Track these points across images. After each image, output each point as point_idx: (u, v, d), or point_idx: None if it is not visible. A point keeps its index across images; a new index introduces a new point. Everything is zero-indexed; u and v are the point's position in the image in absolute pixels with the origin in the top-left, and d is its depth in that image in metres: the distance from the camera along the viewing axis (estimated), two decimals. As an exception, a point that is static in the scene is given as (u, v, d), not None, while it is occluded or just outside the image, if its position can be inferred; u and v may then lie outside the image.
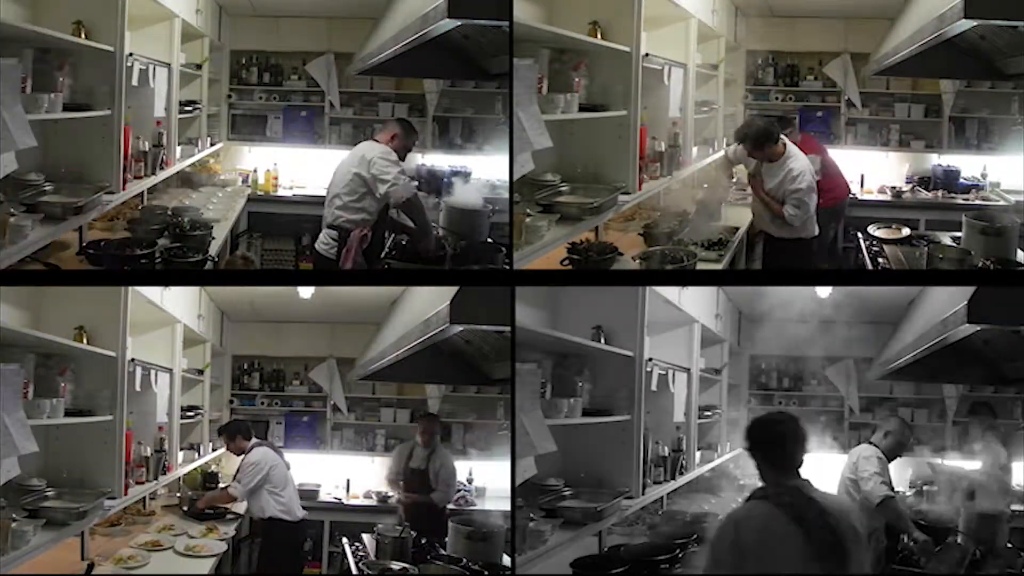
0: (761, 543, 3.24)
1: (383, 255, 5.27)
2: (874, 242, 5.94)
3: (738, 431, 7.48)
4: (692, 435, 6.27)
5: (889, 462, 5.40)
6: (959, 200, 7.40)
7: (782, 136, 5.52)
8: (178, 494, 6.59)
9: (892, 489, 5.25)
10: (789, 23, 7.71)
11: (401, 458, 6.61)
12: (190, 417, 6.79)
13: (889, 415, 5.76)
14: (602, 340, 5.19)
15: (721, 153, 6.95)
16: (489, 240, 5.37)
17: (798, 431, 3.44)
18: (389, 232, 5.37)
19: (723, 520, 3.38)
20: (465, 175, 6.75)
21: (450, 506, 6.95)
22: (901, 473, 6.66)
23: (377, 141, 5.13)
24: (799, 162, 5.47)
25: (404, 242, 5.37)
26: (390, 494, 7.03)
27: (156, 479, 5.86)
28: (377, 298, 6.41)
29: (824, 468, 7.10)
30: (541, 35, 5.02)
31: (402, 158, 5.14)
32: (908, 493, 5.81)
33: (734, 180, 6.14)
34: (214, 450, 7.14)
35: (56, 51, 4.87)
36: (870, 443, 5.42)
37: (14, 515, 4.33)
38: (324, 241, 5.13)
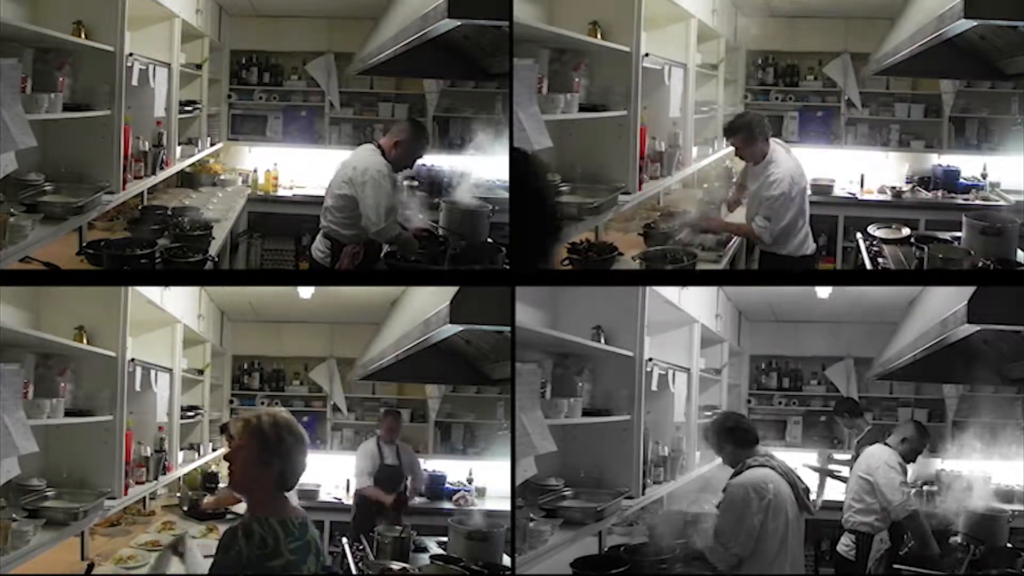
0: (780, 501, 4.08)
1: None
2: (874, 242, 5.93)
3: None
4: (692, 435, 6.27)
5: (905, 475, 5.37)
6: (959, 200, 7.40)
7: (773, 138, 5.14)
8: (178, 494, 6.58)
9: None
10: (789, 23, 7.71)
11: (371, 457, 6.59)
12: (190, 417, 6.79)
13: (907, 420, 5.73)
14: (602, 340, 5.19)
15: (722, 152, 6.96)
16: (489, 240, 5.36)
17: (743, 415, 4.67)
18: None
19: (743, 486, 4.12)
20: (465, 175, 6.75)
21: (450, 506, 6.98)
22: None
23: (380, 147, 4.79)
24: (781, 167, 5.02)
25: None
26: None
27: (156, 479, 5.85)
28: (377, 298, 6.41)
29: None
30: (541, 35, 5.02)
31: (408, 165, 4.89)
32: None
33: (734, 181, 6.12)
34: (214, 450, 7.13)
35: (56, 51, 4.87)
36: (886, 445, 5.35)
37: (14, 515, 4.33)
38: (319, 248, 4.91)
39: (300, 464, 3.03)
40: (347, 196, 4.74)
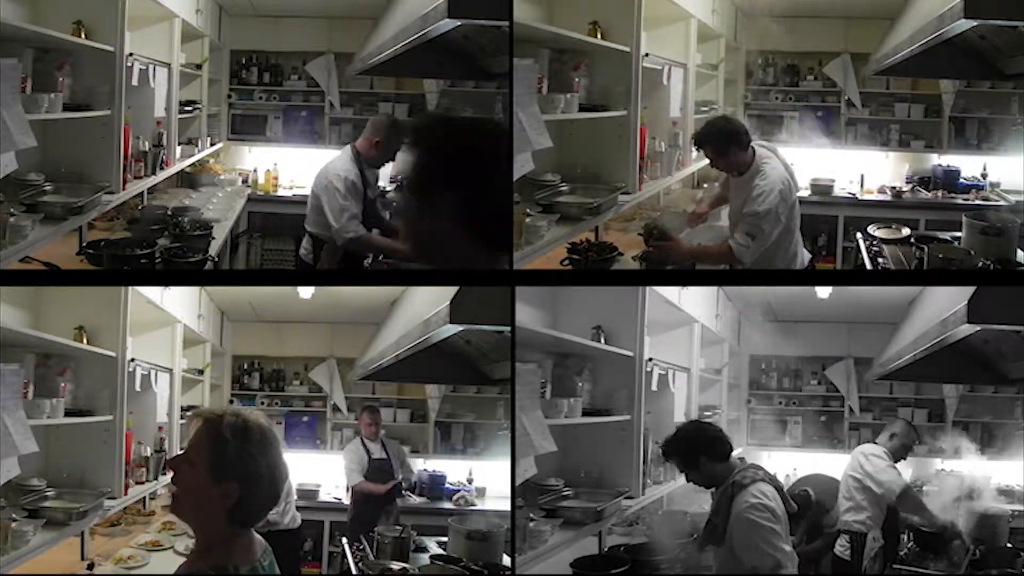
0: (780, 510, 3.67)
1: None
2: (874, 242, 5.93)
3: (739, 431, 7.51)
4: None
5: (894, 463, 5.41)
6: (959, 200, 7.40)
7: (754, 144, 4.47)
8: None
9: None
10: (789, 23, 7.69)
11: (358, 454, 6.66)
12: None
13: (895, 417, 5.75)
14: (602, 340, 5.19)
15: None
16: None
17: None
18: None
19: (756, 505, 3.61)
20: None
21: (450, 506, 6.98)
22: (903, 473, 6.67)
23: (356, 149, 4.90)
24: (769, 179, 4.32)
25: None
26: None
27: (156, 479, 5.85)
28: (377, 298, 6.41)
29: (825, 468, 7.18)
30: (541, 35, 5.02)
31: (391, 158, 4.92)
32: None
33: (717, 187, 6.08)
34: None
35: (56, 51, 4.87)
36: (875, 443, 5.42)
37: (14, 515, 4.33)
38: (304, 246, 5.03)
39: (269, 494, 2.23)
40: (315, 197, 4.87)
